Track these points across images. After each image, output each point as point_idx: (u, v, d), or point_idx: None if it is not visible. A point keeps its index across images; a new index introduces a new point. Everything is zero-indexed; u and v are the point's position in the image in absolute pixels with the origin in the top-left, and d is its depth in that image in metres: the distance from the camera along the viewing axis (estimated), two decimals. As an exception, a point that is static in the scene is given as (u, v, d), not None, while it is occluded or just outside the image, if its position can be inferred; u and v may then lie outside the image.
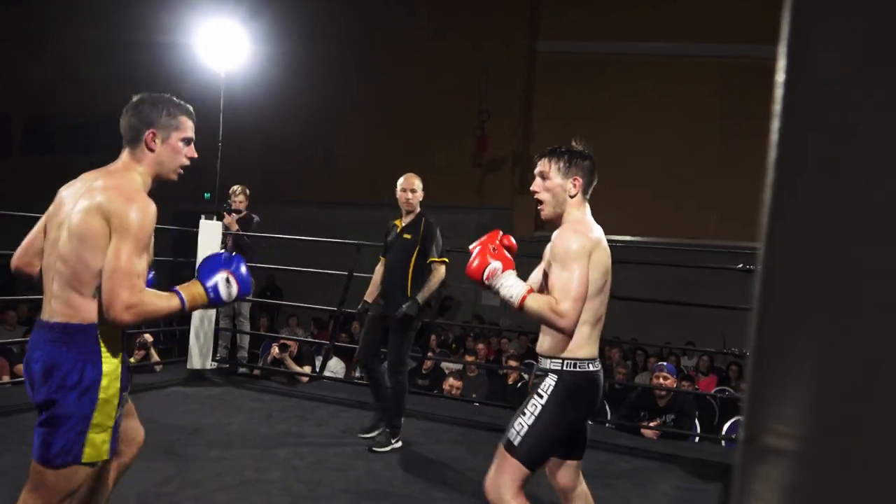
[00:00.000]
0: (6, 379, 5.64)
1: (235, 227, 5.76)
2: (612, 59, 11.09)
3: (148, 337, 5.76)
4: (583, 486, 2.33)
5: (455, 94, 11.49)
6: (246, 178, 6.74)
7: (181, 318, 6.20)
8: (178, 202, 6.34)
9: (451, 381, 6.05)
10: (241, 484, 3.23)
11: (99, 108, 14.25)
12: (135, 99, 1.94)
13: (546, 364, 2.12)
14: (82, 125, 14.47)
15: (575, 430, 2.19)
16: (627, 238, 10.35)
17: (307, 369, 5.93)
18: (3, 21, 15.48)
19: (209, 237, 5.48)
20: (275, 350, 5.90)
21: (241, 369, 5.92)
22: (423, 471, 3.61)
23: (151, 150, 1.90)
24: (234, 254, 2.00)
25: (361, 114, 11.88)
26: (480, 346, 7.62)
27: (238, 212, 5.91)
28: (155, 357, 5.88)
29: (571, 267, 2.03)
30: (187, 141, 1.97)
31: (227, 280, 1.91)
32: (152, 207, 1.79)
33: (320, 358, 5.93)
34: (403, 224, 4.13)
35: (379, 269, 4.22)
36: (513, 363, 6.58)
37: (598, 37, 11.05)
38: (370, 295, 4.21)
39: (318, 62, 11.72)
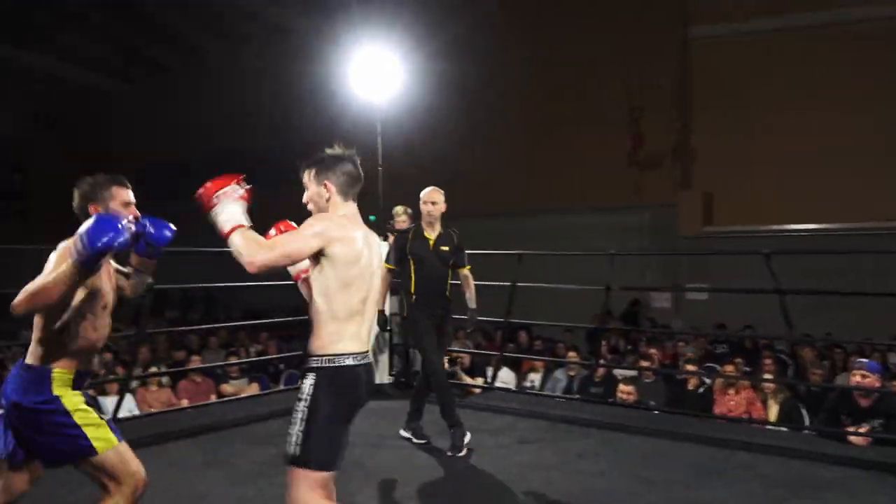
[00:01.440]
0: (213, 398, 6.26)
1: (398, 246, 5.98)
2: (774, 37, 10.22)
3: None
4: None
5: (605, 94, 11.19)
6: (406, 198, 7.01)
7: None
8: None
9: (622, 387, 5.85)
10: (428, 497, 3.33)
11: (272, 143, 15.62)
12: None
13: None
14: (264, 160, 15.86)
15: (348, 420, 2.19)
16: (816, 226, 9.48)
17: (479, 381, 6.01)
18: (179, 71, 17.44)
19: (378, 257, 5.74)
20: (444, 365, 6.04)
21: (416, 382, 6.12)
22: (604, 482, 3.51)
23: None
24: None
25: (512, 125, 11.92)
26: (653, 350, 7.30)
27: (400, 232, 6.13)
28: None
29: (297, 230, 2.13)
30: (125, 205, 2.35)
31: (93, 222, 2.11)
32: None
33: (490, 369, 5.99)
34: (434, 237, 4.24)
35: (387, 278, 4.25)
36: (690, 367, 6.23)
37: (757, 12, 10.25)
38: (381, 304, 4.45)
39: (464, 77, 11.94)
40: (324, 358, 2.12)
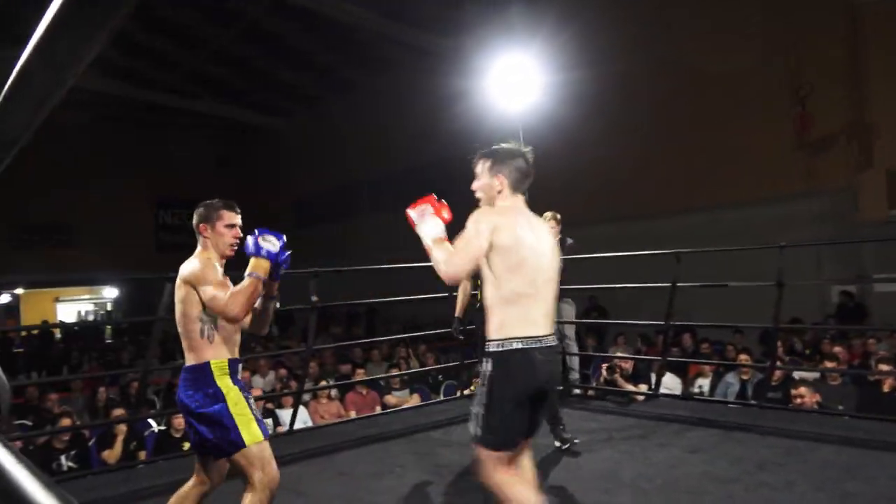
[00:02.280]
0: (378, 409, 6.50)
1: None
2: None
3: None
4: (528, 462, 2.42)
5: (761, 76, 10.37)
6: (554, 204, 6.91)
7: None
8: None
9: (801, 390, 5.34)
10: (592, 506, 3.22)
11: (425, 159, 16.13)
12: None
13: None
14: (412, 178, 16.45)
15: (524, 403, 2.22)
16: None
17: (642, 387, 5.76)
18: (331, 102, 18.47)
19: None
20: (604, 372, 5.85)
21: (575, 391, 5.99)
22: (794, 497, 3.20)
23: (206, 238, 2.70)
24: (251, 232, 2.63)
25: (663, 120, 11.40)
26: (839, 349, 6.62)
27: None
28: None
29: (467, 229, 2.24)
30: (230, 226, 2.72)
31: (261, 240, 2.59)
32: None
33: (653, 375, 5.72)
34: None
35: (465, 288, 4.39)
36: (884, 367, 5.56)
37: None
38: (460, 312, 4.43)
39: (605, 80, 11.62)
40: (496, 342, 2.21)
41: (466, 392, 6.13)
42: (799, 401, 5.20)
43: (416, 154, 16.28)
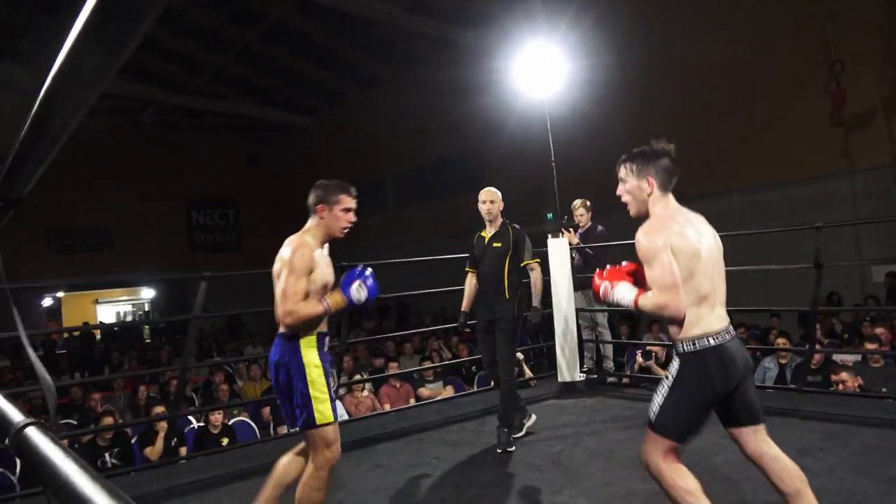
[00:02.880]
0: (412, 402, 6.54)
1: (575, 240, 5.87)
2: None
3: (519, 355, 6.15)
4: (773, 451, 2.37)
5: (796, 54, 10.13)
6: (584, 192, 6.85)
7: (546, 334, 6.51)
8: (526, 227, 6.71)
9: (843, 375, 5.23)
10: (629, 495, 3.21)
11: (450, 151, 16.11)
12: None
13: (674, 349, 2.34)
14: (438, 170, 16.46)
15: (712, 403, 2.29)
16: None
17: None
18: (356, 97, 18.54)
19: (557, 253, 5.68)
20: (639, 358, 5.80)
21: (610, 379, 5.95)
22: (836, 482, 3.14)
23: (322, 217, 2.81)
24: (364, 267, 2.81)
25: (694, 102, 11.22)
26: (881, 329, 6.46)
27: (576, 226, 6.02)
28: (528, 373, 6.25)
29: (654, 262, 2.24)
30: (346, 210, 2.83)
31: (359, 286, 2.72)
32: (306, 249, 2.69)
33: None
34: (490, 234, 4.30)
35: (471, 281, 4.42)
36: (930, 348, 5.42)
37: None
38: (466, 306, 4.44)
39: (631, 64, 11.47)
40: (685, 342, 2.27)
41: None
42: (841, 386, 5.10)
43: (442, 147, 16.29)
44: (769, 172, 10.35)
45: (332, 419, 2.62)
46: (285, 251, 2.70)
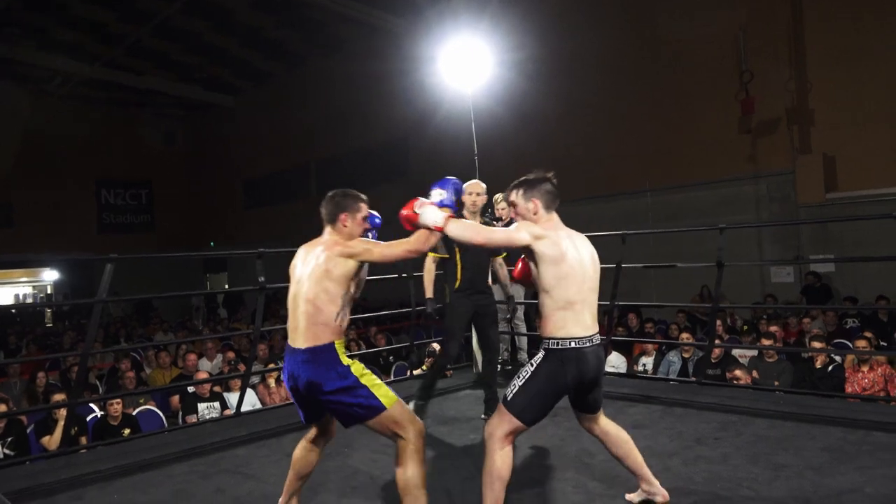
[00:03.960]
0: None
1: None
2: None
3: (435, 346, 6.20)
4: (604, 422, 2.90)
5: (711, 62, 10.60)
6: (506, 185, 6.95)
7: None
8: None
9: (737, 372, 5.57)
10: (534, 482, 3.29)
11: (376, 140, 15.98)
12: (331, 193, 2.85)
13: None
14: (363, 159, 16.30)
15: (561, 394, 2.63)
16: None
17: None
18: (282, 79, 18.13)
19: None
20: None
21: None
22: (728, 469, 3.33)
23: (345, 226, 2.78)
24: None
25: (610, 103, 11.56)
26: (775, 327, 6.88)
27: (499, 219, 6.10)
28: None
29: (508, 230, 2.68)
30: (365, 218, 2.85)
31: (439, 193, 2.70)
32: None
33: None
34: None
35: (432, 268, 4.47)
36: (817, 344, 5.82)
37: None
38: (433, 292, 4.47)
39: (557, 59, 11.71)
40: (550, 340, 2.60)
41: (417, 372, 6.17)
42: (736, 381, 5.40)
43: (367, 135, 16.15)
44: (680, 174, 10.81)
45: (396, 396, 2.64)
46: (339, 245, 2.68)
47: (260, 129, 19.60)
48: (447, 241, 4.32)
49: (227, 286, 21.74)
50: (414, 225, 2.65)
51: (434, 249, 4.35)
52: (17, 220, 19.12)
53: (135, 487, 3.49)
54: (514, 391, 2.61)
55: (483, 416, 4.52)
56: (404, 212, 2.65)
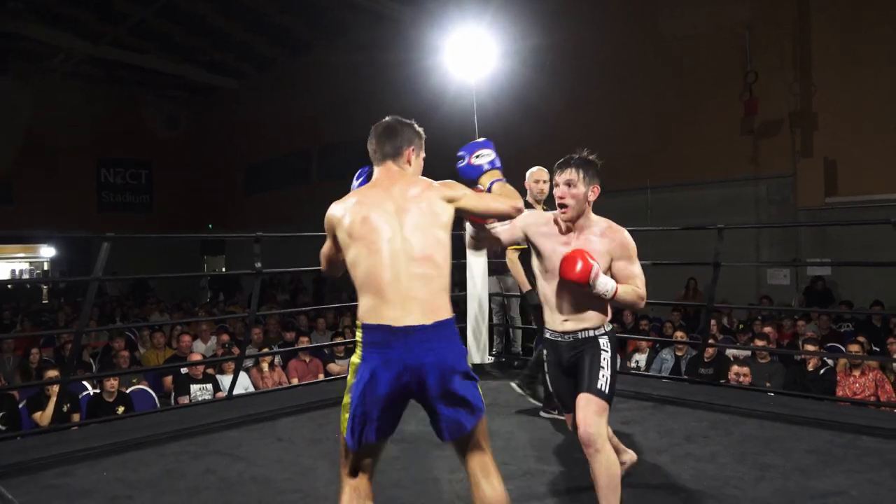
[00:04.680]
0: (321, 377, 6.50)
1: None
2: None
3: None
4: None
5: (716, 61, 10.58)
6: (508, 178, 6.93)
7: (459, 317, 6.58)
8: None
9: (735, 368, 5.56)
10: (525, 474, 3.31)
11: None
12: (388, 125, 2.34)
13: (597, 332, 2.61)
14: (365, 147, 16.23)
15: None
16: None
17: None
18: (286, 65, 18.08)
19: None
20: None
21: (516, 362, 6.09)
22: (715, 467, 3.35)
23: (409, 164, 2.26)
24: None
25: (612, 98, 11.54)
26: (769, 329, 6.90)
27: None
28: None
29: (635, 259, 2.60)
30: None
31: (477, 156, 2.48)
32: None
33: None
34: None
35: (516, 259, 4.18)
36: (811, 347, 5.84)
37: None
38: (528, 283, 4.13)
39: (560, 52, 11.67)
40: (607, 324, 2.63)
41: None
42: (742, 379, 5.40)
43: (369, 123, 16.03)
44: (681, 172, 10.81)
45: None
46: (441, 190, 2.16)
47: (263, 113, 19.55)
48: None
49: (223, 269, 21.76)
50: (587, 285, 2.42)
51: (516, 241, 4.20)
52: (17, 197, 19.09)
53: (125, 465, 3.50)
54: (606, 382, 2.48)
55: (520, 389, 4.21)
56: (591, 263, 2.43)
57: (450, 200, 2.12)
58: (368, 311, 1.98)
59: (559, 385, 2.72)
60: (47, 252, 22.20)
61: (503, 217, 2.34)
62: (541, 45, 11.22)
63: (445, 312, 1.99)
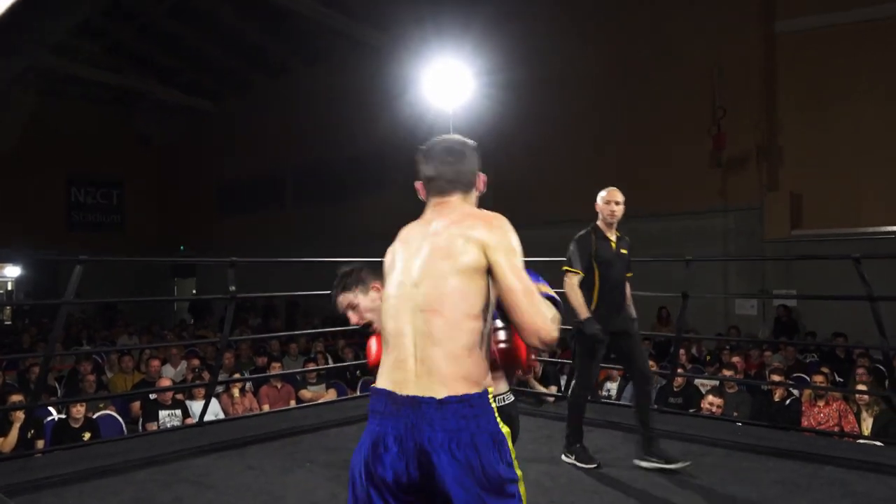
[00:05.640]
0: (292, 404, 6.45)
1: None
2: (863, 29, 9.63)
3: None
4: None
5: (686, 96, 10.87)
6: (483, 206, 7.01)
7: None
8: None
9: (710, 398, 5.65)
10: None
11: (347, 155, 16.00)
12: (448, 147, 1.82)
13: None
14: (341, 172, 16.29)
15: None
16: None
17: (553, 389, 5.94)
18: (264, 88, 18.11)
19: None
20: (518, 371, 5.99)
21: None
22: (683, 497, 3.40)
23: (478, 191, 1.89)
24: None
25: (588, 130, 11.75)
26: (737, 359, 7.02)
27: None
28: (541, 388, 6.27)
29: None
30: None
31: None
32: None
33: (565, 377, 5.91)
34: (615, 238, 4.10)
35: (576, 285, 3.90)
36: (777, 377, 5.96)
37: (849, 4, 9.70)
38: (586, 311, 3.85)
39: (538, 85, 11.88)
40: None
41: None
42: (716, 410, 5.47)
43: (345, 148, 16.16)
44: (651, 204, 11.02)
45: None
46: (491, 225, 1.66)
47: (238, 136, 19.48)
48: (583, 257, 3.95)
49: (195, 291, 21.46)
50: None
51: (571, 265, 3.98)
52: (-20, 213, 18.69)
53: (92, 494, 3.44)
54: None
55: (642, 461, 3.84)
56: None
57: (480, 245, 1.61)
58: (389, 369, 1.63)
59: None
60: (11, 271, 21.70)
61: (523, 328, 1.56)
62: (516, 77, 11.41)
63: (457, 388, 1.53)
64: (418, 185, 1.83)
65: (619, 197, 4.06)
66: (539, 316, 1.54)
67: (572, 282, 3.93)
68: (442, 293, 1.58)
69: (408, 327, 1.60)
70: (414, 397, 1.53)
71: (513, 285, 1.55)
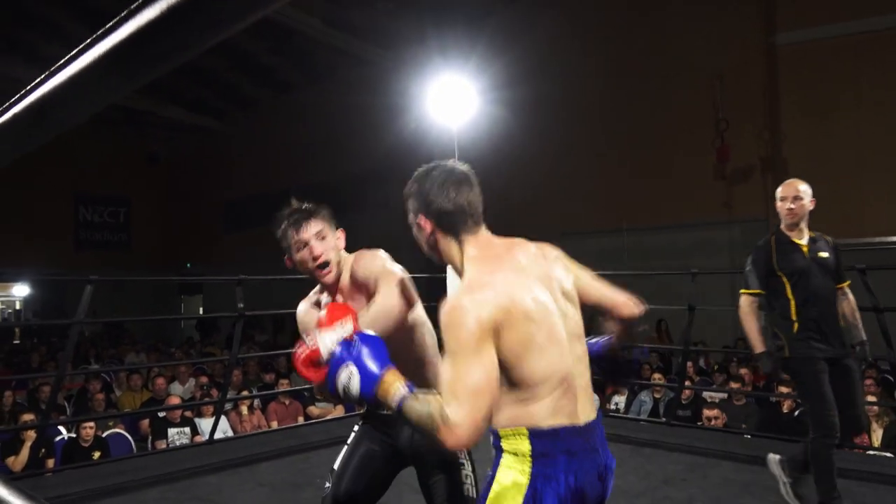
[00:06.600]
0: (301, 420, 6.46)
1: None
2: (864, 40, 9.69)
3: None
4: None
5: (689, 109, 10.92)
6: (490, 221, 7.05)
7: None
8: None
9: (706, 412, 5.66)
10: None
11: (352, 172, 16.09)
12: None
13: None
14: (346, 188, 16.36)
15: None
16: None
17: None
18: (268, 106, 18.27)
19: (456, 281, 5.82)
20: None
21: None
22: (692, 509, 3.40)
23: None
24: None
25: (593, 144, 11.81)
26: (745, 371, 7.01)
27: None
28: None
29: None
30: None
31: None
32: None
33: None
34: (806, 242, 3.29)
35: (750, 310, 3.34)
36: (785, 389, 5.94)
37: (849, 16, 9.77)
38: (762, 343, 3.32)
39: (542, 100, 11.96)
40: None
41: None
42: (714, 421, 5.48)
43: (351, 164, 16.25)
44: (656, 216, 11.06)
45: None
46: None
47: (244, 152, 19.62)
48: (758, 272, 3.35)
49: (201, 309, 21.52)
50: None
51: (747, 285, 3.33)
52: (-10, 233, 18.82)
53: (103, 512, 3.47)
54: None
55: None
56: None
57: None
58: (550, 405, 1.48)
59: None
60: (20, 290, 21.81)
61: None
62: (520, 93, 11.50)
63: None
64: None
65: (793, 191, 3.24)
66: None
67: (744, 307, 3.34)
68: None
69: (574, 353, 1.53)
70: (587, 426, 1.50)
71: None
